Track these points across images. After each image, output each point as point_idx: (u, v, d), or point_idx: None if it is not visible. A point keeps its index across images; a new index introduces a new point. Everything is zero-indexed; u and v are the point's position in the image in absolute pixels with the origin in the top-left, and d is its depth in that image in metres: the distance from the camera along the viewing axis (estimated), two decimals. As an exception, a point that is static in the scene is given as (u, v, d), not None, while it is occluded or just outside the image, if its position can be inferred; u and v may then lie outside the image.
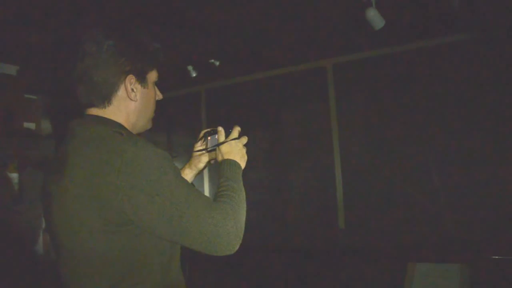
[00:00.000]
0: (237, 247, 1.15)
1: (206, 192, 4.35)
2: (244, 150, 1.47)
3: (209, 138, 1.57)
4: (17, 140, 4.03)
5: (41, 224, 4.02)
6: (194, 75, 4.16)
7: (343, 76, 3.91)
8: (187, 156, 1.70)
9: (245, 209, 1.25)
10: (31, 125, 4.28)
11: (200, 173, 1.69)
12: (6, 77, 4.00)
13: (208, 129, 1.61)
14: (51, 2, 2.71)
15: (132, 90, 1.25)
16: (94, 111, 1.24)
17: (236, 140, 1.47)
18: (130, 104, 1.27)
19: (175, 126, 4.68)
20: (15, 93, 4.12)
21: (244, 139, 1.50)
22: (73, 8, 2.82)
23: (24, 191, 4.00)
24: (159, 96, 1.38)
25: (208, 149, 1.56)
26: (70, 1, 2.73)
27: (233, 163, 1.38)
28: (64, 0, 2.71)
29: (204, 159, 1.62)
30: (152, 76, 1.32)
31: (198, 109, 4.72)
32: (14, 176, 3.95)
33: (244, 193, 1.29)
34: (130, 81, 1.24)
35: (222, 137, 1.49)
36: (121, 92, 1.24)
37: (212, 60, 4.01)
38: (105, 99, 1.23)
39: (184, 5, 2.90)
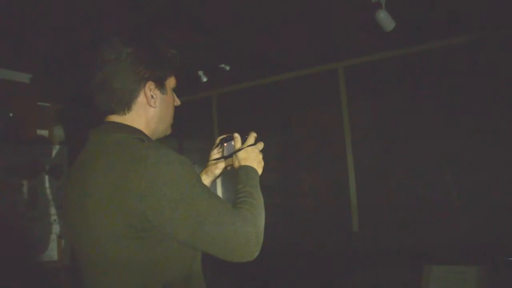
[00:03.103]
0: (256, 254, 1.16)
1: (219, 197, 4.33)
2: (260, 156, 1.47)
3: (225, 144, 1.57)
4: (30, 147, 4.06)
5: (55, 230, 4.04)
6: (204, 80, 4.17)
7: (355, 79, 3.90)
8: (199, 161, 1.70)
9: (263, 215, 1.25)
10: (44, 132, 4.31)
11: (216, 179, 1.70)
12: (19, 85, 4.04)
13: (224, 136, 1.61)
14: (63, 9, 2.73)
15: (152, 96, 1.26)
16: (114, 118, 1.25)
17: (253, 146, 1.47)
18: (149, 111, 1.28)
19: (186, 131, 4.69)
20: (28, 100, 4.16)
21: (260, 145, 1.50)
22: (86, 15, 2.84)
23: (37, 198, 4.02)
24: (177, 102, 1.39)
25: (226, 157, 1.56)
26: (83, 8, 2.75)
27: (250, 170, 1.38)
28: (76, 8, 2.73)
29: (221, 165, 1.62)
30: (171, 82, 1.33)
31: (209, 114, 4.73)
32: (28, 183, 3.98)
33: (262, 200, 1.29)
34: (150, 88, 1.25)
35: (238, 144, 1.49)
36: (140, 98, 1.25)
37: (223, 65, 4.02)
38: (125, 106, 1.24)
39: (194, 10, 2.91)
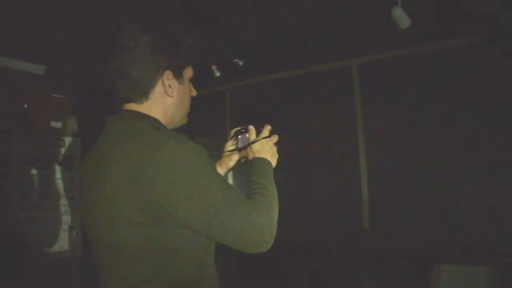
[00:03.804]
0: (270, 245, 1.15)
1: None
2: (275, 149, 1.47)
3: (239, 136, 1.58)
4: (43, 138, 4.10)
5: (67, 221, 4.08)
6: (218, 74, 4.18)
7: (369, 76, 3.89)
8: (213, 154, 1.71)
9: (277, 207, 1.25)
10: (58, 124, 4.35)
11: (230, 171, 1.70)
12: (33, 76, 4.07)
13: (238, 128, 1.61)
14: (77, 1, 2.75)
15: (169, 86, 1.26)
16: (131, 106, 1.26)
17: (267, 139, 1.47)
18: (167, 100, 1.28)
19: (199, 125, 4.70)
20: (43, 92, 4.20)
21: (275, 138, 1.50)
22: (101, 8, 2.86)
23: (49, 188, 4.06)
24: (194, 92, 1.39)
25: (240, 149, 1.57)
26: (97, 1, 2.76)
27: (264, 162, 1.38)
28: (88, 2, 2.75)
29: (235, 157, 1.62)
30: (188, 72, 1.33)
31: (222, 109, 4.74)
32: (40, 173, 4.01)
33: (276, 192, 1.29)
34: (168, 77, 1.25)
35: (253, 136, 1.49)
36: (158, 87, 1.25)
37: (236, 60, 4.02)
38: (143, 94, 1.24)
39: (208, 5, 2.91)
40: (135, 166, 1.08)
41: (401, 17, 2.95)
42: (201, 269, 1.21)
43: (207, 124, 4.78)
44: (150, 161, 1.07)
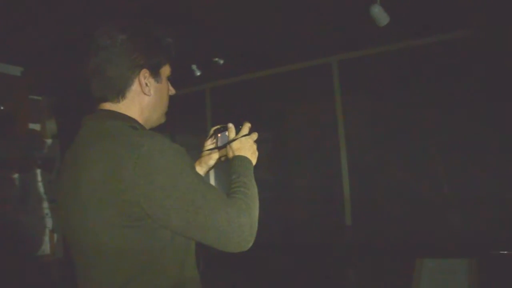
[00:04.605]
0: (251, 244, 1.15)
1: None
2: (255, 146, 1.46)
3: (219, 135, 1.56)
4: (22, 141, 4.03)
5: (47, 224, 4.03)
6: (198, 74, 4.16)
7: (349, 73, 3.90)
8: (193, 153, 1.70)
9: (257, 205, 1.24)
10: (36, 126, 4.29)
11: (210, 170, 1.69)
12: (10, 78, 4.00)
13: (218, 126, 1.60)
14: (55, 1, 2.71)
15: (146, 84, 1.24)
16: (107, 105, 1.24)
17: (247, 136, 1.46)
18: (144, 99, 1.26)
19: (179, 125, 4.68)
20: (20, 94, 4.12)
21: (255, 135, 1.49)
22: (77, 9, 2.82)
23: (29, 191, 4.00)
24: (172, 91, 1.37)
25: (220, 147, 1.55)
26: (73, 2, 2.73)
27: (244, 159, 1.38)
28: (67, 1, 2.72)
29: (215, 156, 1.61)
30: (166, 70, 1.32)
31: (203, 108, 4.72)
32: (20, 177, 3.95)
33: (256, 189, 1.28)
34: (144, 75, 1.24)
35: (232, 134, 1.48)
36: (135, 86, 1.24)
37: (216, 59, 4.01)
38: (119, 93, 1.23)
39: (186, 3, 2.90)
40: (112, 167, 1.06)
41: (380, 15, 2.97)
42: (182, 270, 1.20)
43: (187, 123, 4.76)
44: (127, 161, 1.05)
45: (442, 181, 3.45)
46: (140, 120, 1.26)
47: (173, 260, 1.17)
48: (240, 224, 1.11)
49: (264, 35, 3.52)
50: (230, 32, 3.45)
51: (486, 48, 3.28)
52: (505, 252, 3.06)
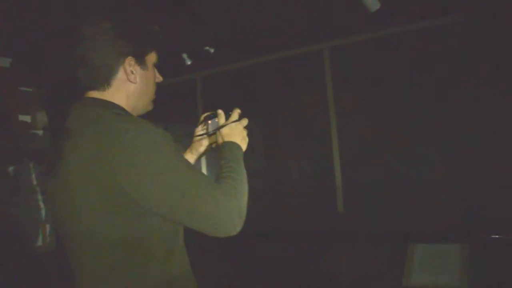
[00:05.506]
0: (239, 228, 1.15)
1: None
2: (244, 132, 1.47)
3: (209, 122, 1.57)
4: (12, 133, 4.01)
5: (39, 216, 4.01)
6: (189, 62, 4.14)
7: (340, 60, 3.89)
8: (184, 141, 1.69)
9: (247, 190, 1.24)
10: (27, 118, 4.26)
11: (201, 157, 1.69)
12: (-1, 69, 3.97)
13: (208, 113, 1.60)
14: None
15: (132, 72, 1.24)
16: (93, 94, 1.24)
17: (237, 122, 1.46)
18: (129, 86, 1.26)
19: (170, 114, 4.66)
20: (10, 86, 4.09)
21: (245, 121, 1.49)
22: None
23: (21, 183, 3.98)
24: (159, 78, 1.37)
25: (209, 133, 1.56)
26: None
27: (234, 145, 1.38)
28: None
29: (205, 143, 1.62)
30: (152, 58, 1.31)
31: (193, 97, 4.70)
32: (11, 169, 3.93)
33: (245, 175, 1.29)
34: (129, 63, 1.23)
35: (222, 120, 1.49)
36: (120, 74, 1.23)
37: (207, 48, 3.99)
38: (105, 81, 1.22)
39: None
40: (97, 153, 1.06)
41: (371, 0, 2.96)
42: (170, 256, 1.20)
43: (178, 112, 4.74)
44: (112, 147, 1.05)
45: (435, 165, 3.47)
46: (126, 107, 1.26)
47: (160, 245, 1.17)
48: (228, 208, 1.11)
49: (255, 22, 3.51)
50: (220, 21, 3.43)
51: (479, 33, 3.28)
52: (497, 236, 3.09)
